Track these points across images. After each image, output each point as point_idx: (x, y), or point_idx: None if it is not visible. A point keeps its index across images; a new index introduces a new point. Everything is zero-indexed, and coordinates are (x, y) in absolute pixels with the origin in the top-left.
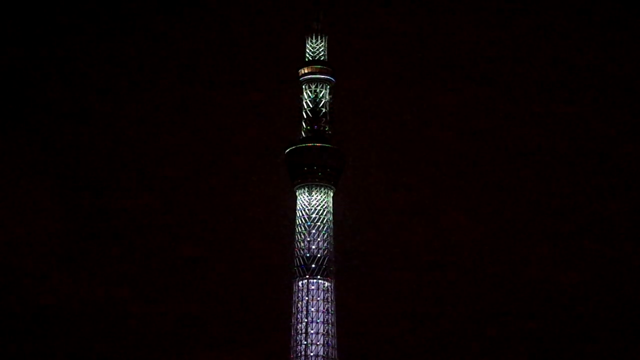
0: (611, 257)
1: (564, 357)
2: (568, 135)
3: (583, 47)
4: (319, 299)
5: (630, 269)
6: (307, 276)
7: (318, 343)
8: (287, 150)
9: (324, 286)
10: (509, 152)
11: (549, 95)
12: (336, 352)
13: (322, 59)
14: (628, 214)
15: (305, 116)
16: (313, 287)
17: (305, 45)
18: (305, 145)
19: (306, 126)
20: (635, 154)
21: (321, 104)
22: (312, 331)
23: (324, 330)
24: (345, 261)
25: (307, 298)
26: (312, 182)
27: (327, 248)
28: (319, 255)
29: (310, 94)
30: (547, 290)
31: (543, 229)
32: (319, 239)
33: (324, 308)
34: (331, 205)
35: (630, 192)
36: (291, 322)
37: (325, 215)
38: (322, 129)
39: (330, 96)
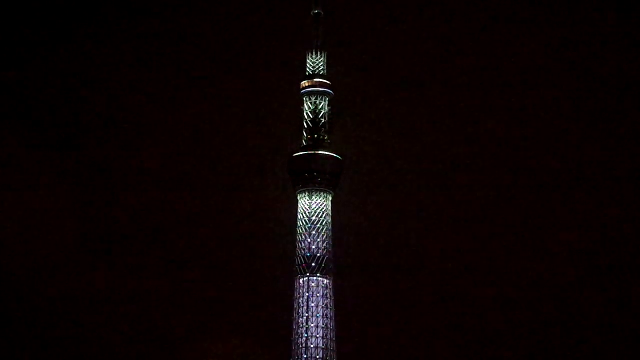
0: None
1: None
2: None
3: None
4: (318, 295)
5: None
6: (308, 274)
7: (318, 336)
8: (290, 158)
9: (323, 283)
10: (505, 156)
11: (548, 99)
12: (335, 344)
13: (321, 73)
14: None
15: (306, 126)
16: (313, 284)
17: (306, 61)
18: (306, 153)
19: (307, 135)
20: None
21: (321, 115)
22: (312, 325)
23: (323, 324)
24: (343, 260)
25: (307, 294)
26: (312, 187)
27: (327, 248)
28: (318, 255)
29: (310, 106)
30: (548, 290)
31: (543, 232)
32: (318, 240)
33: (323, 303)
34: (330, 208)
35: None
36: (293, 316)
37: (324, 217)
38: (321, 138)
39: (329, 108)
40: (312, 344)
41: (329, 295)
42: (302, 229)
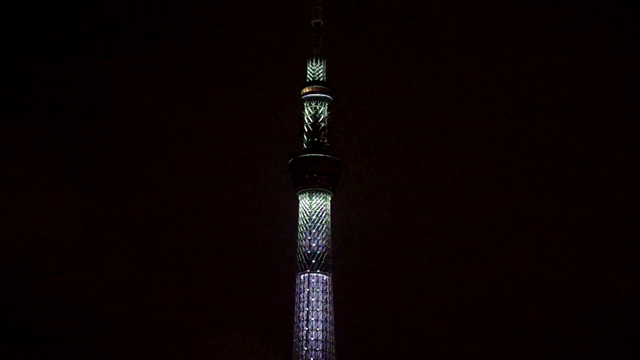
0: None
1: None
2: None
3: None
4: (318, 290)
5: None
6: (308, 270)
7: (318, 329)
8: (291, 160)
9: (323, 279)
10: (498, 156)
11: (543, 108)
12: (334, 336)
13: (321, 79)
14: None
15: (306, 130)
16: (313, 280)
17: (306, 68)
18: (307, 156)
19: (307, 139)
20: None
21: (320, 119)
22: (312, 318)
23: (323, 318)
24: (341, 257)
25: (308, 289)
26: (312, 187)
27: (326, 245)
28: (318, 252)
29: (310, 111)
30: (544, 287)
31: (536, 230)
32: (318, 238)
33: (323, 298)
34: (329, 208)
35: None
36: (294, 310)
37: (324, 216)
38: (321, 141)
39: (329, 112)
40: (312, 336)
41: (328, 291)
42: (302, 228)
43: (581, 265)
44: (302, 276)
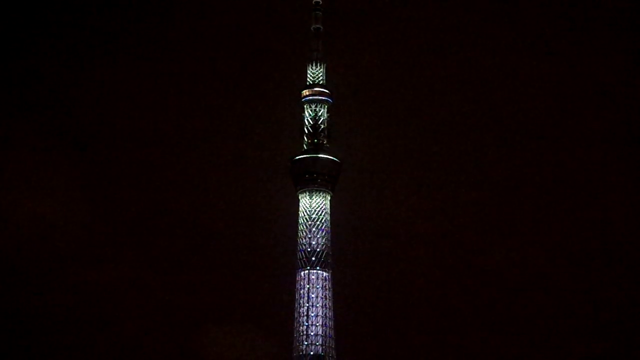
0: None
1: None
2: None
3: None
4: (318, 286)
5: None
6: (309, 267)
7: (317, 324)
8: (291, 161)
9: (322, 276)
10: (489, 156)
11: (532, 111)
12: (333, 331)
13: (321, 83)
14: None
15: (306, 131)
16: (313, 277)
17: (306, 72)
18: (307, 156)
19: (307, 140)
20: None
21: (320, 121)
22: (312, 314)
23: (322, 313)
24: (340, 255)
25: (308, 286)
26: (312, 187)
27: (325, 243)
28: (318, 250)
29: (311, 113)
30: (541, 283)
31: (531, 227)
32: (318, 236)
33: (322, 294)
34: (329, 207)
35: None
36: (295, 306)
37: (323, 215)
38: (321, 142)
39: (328, 114)
40: (312, 331)
41: (327, 287)
42: (303, 226)
43: (580, 263)
44: (302, 273)
